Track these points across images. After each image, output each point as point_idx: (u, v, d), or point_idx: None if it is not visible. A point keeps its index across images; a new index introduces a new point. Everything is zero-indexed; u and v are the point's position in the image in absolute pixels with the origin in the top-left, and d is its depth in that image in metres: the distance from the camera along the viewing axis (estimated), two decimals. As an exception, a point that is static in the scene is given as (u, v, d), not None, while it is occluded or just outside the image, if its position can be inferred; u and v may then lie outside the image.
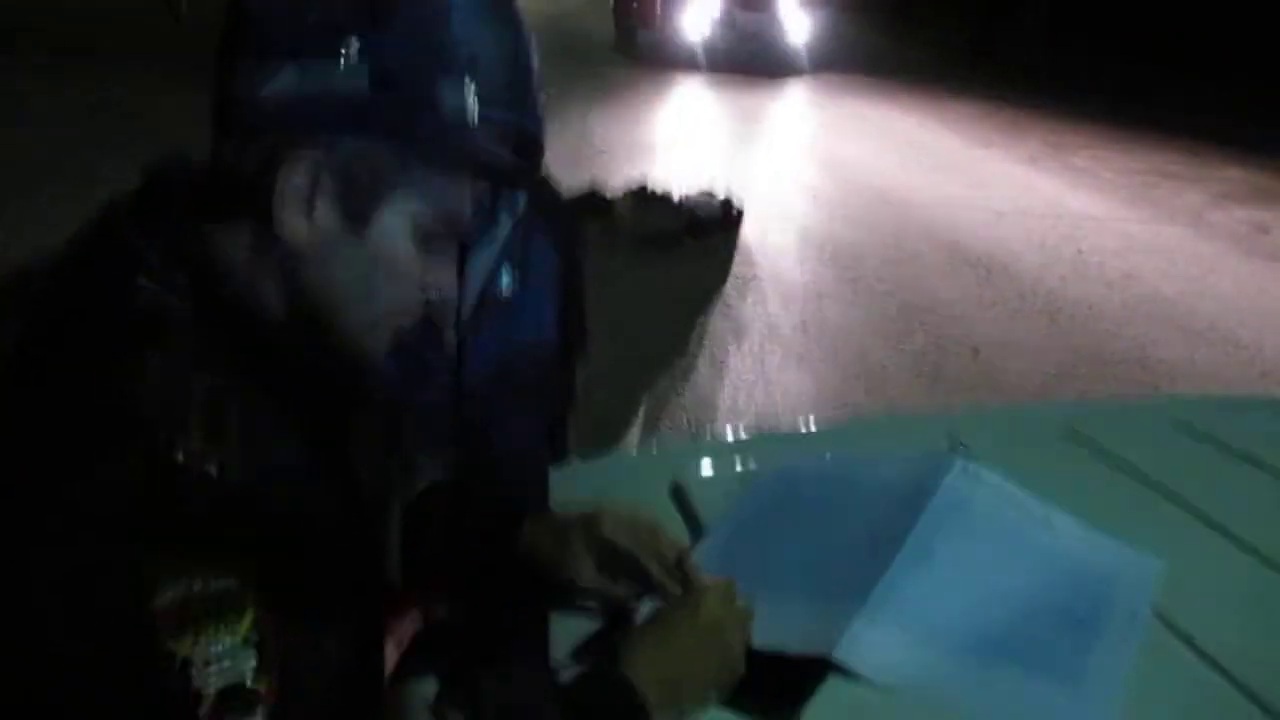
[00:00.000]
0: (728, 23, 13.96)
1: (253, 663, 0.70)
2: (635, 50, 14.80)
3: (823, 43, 14.73)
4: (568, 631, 1.03)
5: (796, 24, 14.30)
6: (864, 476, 1.15)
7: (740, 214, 6.54)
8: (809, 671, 0.89)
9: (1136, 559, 1.05)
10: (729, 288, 5.68)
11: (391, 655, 1.28)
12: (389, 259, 0.84)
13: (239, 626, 0.70)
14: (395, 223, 0.83)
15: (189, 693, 0.67)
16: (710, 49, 13.91)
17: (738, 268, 6.00)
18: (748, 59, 13.77)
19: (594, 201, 6.08)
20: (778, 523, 1.13)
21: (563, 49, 14.17)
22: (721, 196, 6.49)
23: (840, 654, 0.89)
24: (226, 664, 0.69)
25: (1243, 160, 9.43)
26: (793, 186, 8.01)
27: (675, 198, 6.33)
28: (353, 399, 0.96)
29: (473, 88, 0.87)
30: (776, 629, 0.95)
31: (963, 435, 1.28)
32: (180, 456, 0.71)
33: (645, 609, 1.00)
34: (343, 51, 0.79)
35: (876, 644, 0.91)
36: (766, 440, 1.31)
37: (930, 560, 1.00)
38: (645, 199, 6.28)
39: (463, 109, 0.85)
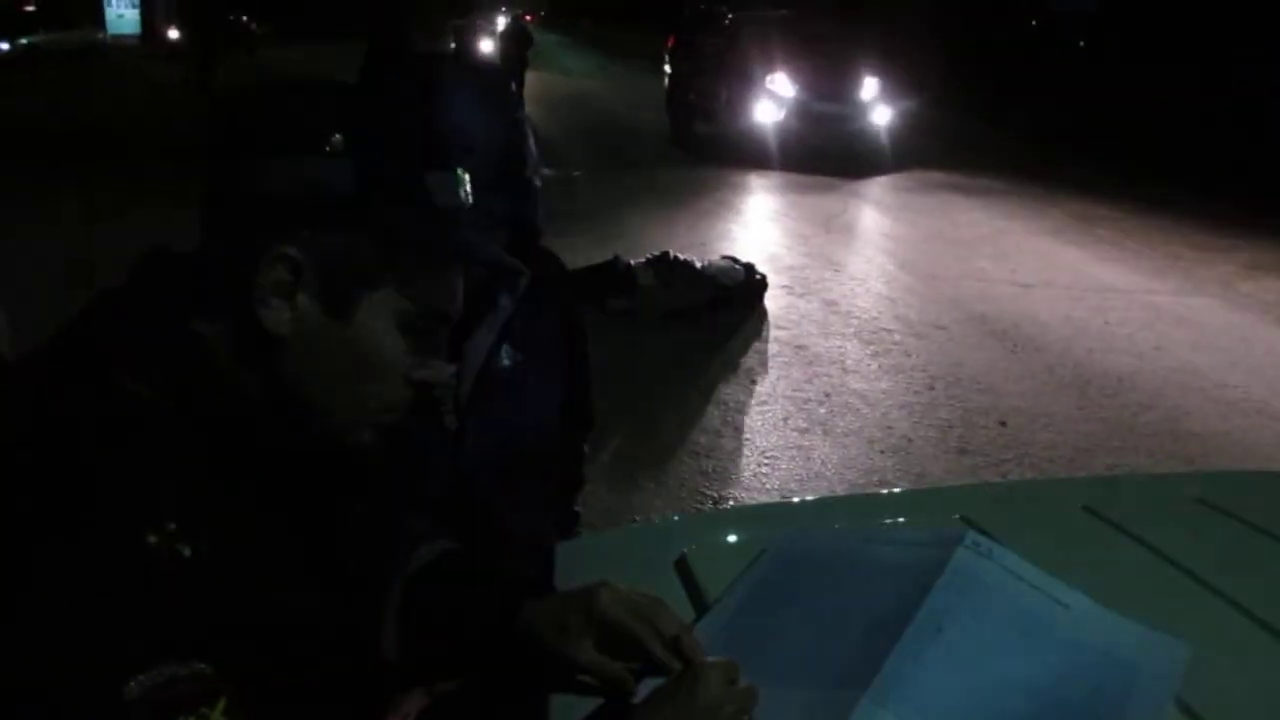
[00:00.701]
0: (801, 114, 12.30)
1: None
2: (693, 145, 13.46)
3: (908, 135, 13.08)
4: (566, 712, 1.01)
5: (879, 114, 12.62)
6: (872, 552, 1.12)
7: (764, 283, 6.58)
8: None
9: (1160, 643, 1.01)
10: (753, 359, 5.69)
11: None
12: (372, 352, 0.84)
13: (210, 714, 0.68)
14: (378, 316, 0.83)
15: None
16: (781, 144, 12.20)
17: (761, 339, 6.02)
18: (824, 155, 12.00)
19: (617, 272, 6.16)
20: (782, 601, 1.10)
21: (611, 147, 13.53)
22: (744, 265, 6.55)
23: None
24: None
25: (1274, 230, 9.33)
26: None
27: (699, 266, 6.39)
28: (339, 488, 0.95)
29: (465, 179, 0.87)
30: (777, 713, 0.92)
31: (976, 510, 1.25)
32: (152, 539, 0.70)
33: (646, 688, 0.97)
34: (327, 148, 0.80)
35: None
36: (775, 510, 1.28)
37: (938, 642, 0.97)
38: (669, 268, 6.35)
39: (450, 201, 0.85)
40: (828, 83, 12.43)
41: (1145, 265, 8.21)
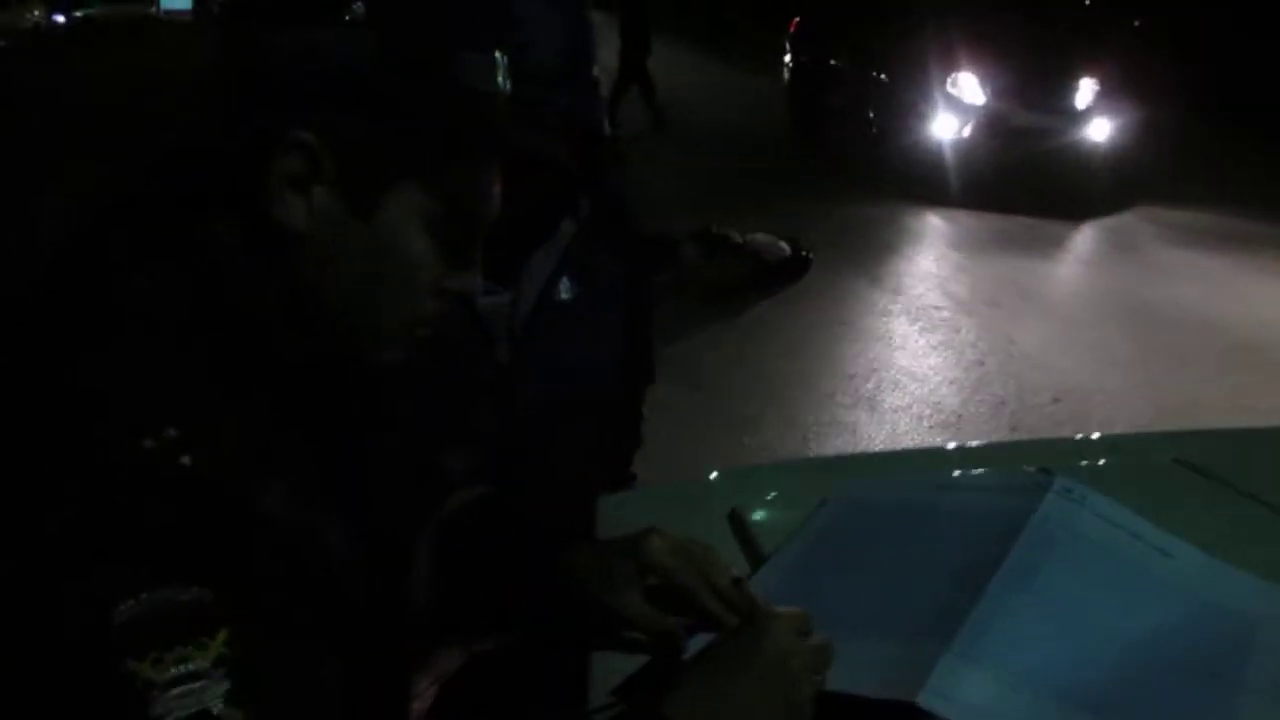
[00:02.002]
0: (995, 128, 8.67)
1: (225, 687, 0.60)
2: (828, 156, 10.13)
3: (1136, 153, 8.93)
4: (611, 669, 0.92)
5: (1097, 127, 8.81)
6: (946, 500, 1.02)
7: (808, 260, 6.45)
8: (888, 717, 0.77)
9: (1276, 596, 0.90)
10: (797, 334, 5.57)
11: (430, 691, 1.18)
12: (397, 254, 0.75)
13: (210, 645, 0.60)
14: (403, 213, 0.74)
15: None
16: (964, 167, 8.53)
17: (809, 313, 5.88)
18: (1023, 184, 8.44)
19: (660, 246, 6.05)
20: (846, 551, 1.00)
21: (716, 153, 10.12)
22: (789, 239, 6.42)
23: (927, 698, 0.76)
24: (194, 688, 0.59)
25: None
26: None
27: (741, 240, 6.28)
28: (367, 415, 0.86)
29: (504, 63, 0.78)
30: (848, 670, 0.82)
31: (1056, 461, 1.14)
32: (149, 443, 0.61)
33: (698, 645, 0.87)
34: (346, 16, 0.71)
35: (968, 687, 0.78)
36: (837, 463, 1.18)
37: (1029, 591, 0.86)
38: (712, 243, 6.23)
39: (485, 86, 0.76)
40: (1031, 86, 8.79)
41: None
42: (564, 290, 1.35)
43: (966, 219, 7.95)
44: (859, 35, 10.26)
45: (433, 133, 0.73)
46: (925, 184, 8.47)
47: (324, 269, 0.74)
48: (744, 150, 10.62)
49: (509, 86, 0.78)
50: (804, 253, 6.44)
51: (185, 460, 0.63)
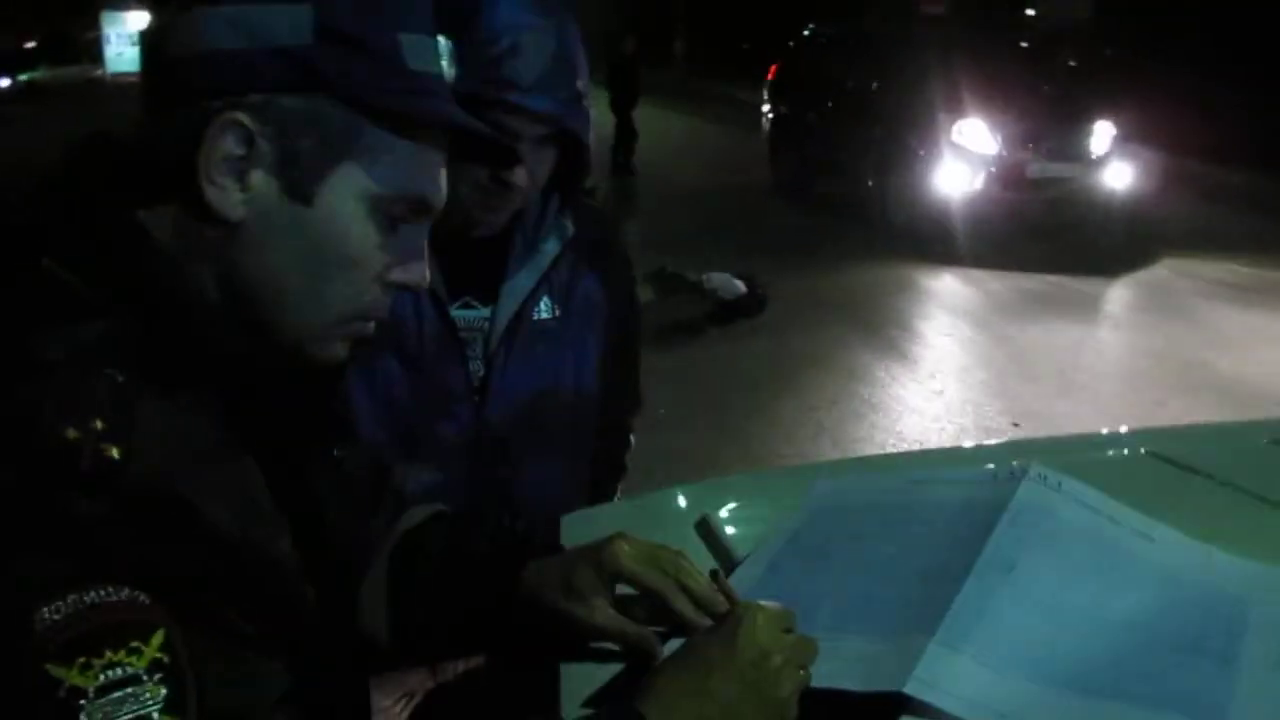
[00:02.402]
0: (1009, 179, 8.02)
1: (162, 693, 0.56)
2: (816, 212, 9.44)
3: (1156, 201, 8.51)
4: (582, 683, 0.87)
5: (1115, 173, 8.25)
6: (921, 494, 0.99)
7: (765, 297, 6.47)
8: (878, 714, 0.73)
9: (1268, 576, 0.87)
10: (759, 370, 5.57)
11: (396, 713, 1.13)
12: (338, 241, 0.71)
13: (144, 649, 0.56)
14: (344, 197, 0.70)
15: None
16: (977, 221, 7.87)
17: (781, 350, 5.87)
18: (1039, 239, 7.93)
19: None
20: (822, 550, 0.97)
21: (690, 219, 9.11)
22: (745, 277, 6.44)
23: (915, 688, 0.73)
24: (127, 695, 0.54)
25: None
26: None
27: (698, 280, 6.28)
28: (313, 421, 0.82)
29: (446, 49, 0.75)
30: (831, 666, 0.78)
31: (1029, 458, 1.12)
32: (71, 433, 0.57)
33: (671, 651, 0.83)
34: None
35: (956, 675, 0.75)
36: (807, 472, 1.15)
37: (1010, 578, 0.84)
38: (668, 283, 6.24)
39: (426, 67, 0.73)
40: (1045, 132, 8.20)
41: None
42: (544, 309, 1.32)
43: (983, 279, 7.21)
44: (848, 82, 9.64)
45: (376, 113, 0.70)
46: (932, 241, 7.86)
47: (262, 257, 0.70)
48: (724, 206, 9.93)
49: (453, 73, 0.75)
50: (759, 290, 6.46)
51: (114, 454, 0.58)
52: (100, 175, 0.70)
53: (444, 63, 0.74)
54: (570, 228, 1.32)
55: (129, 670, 0.55)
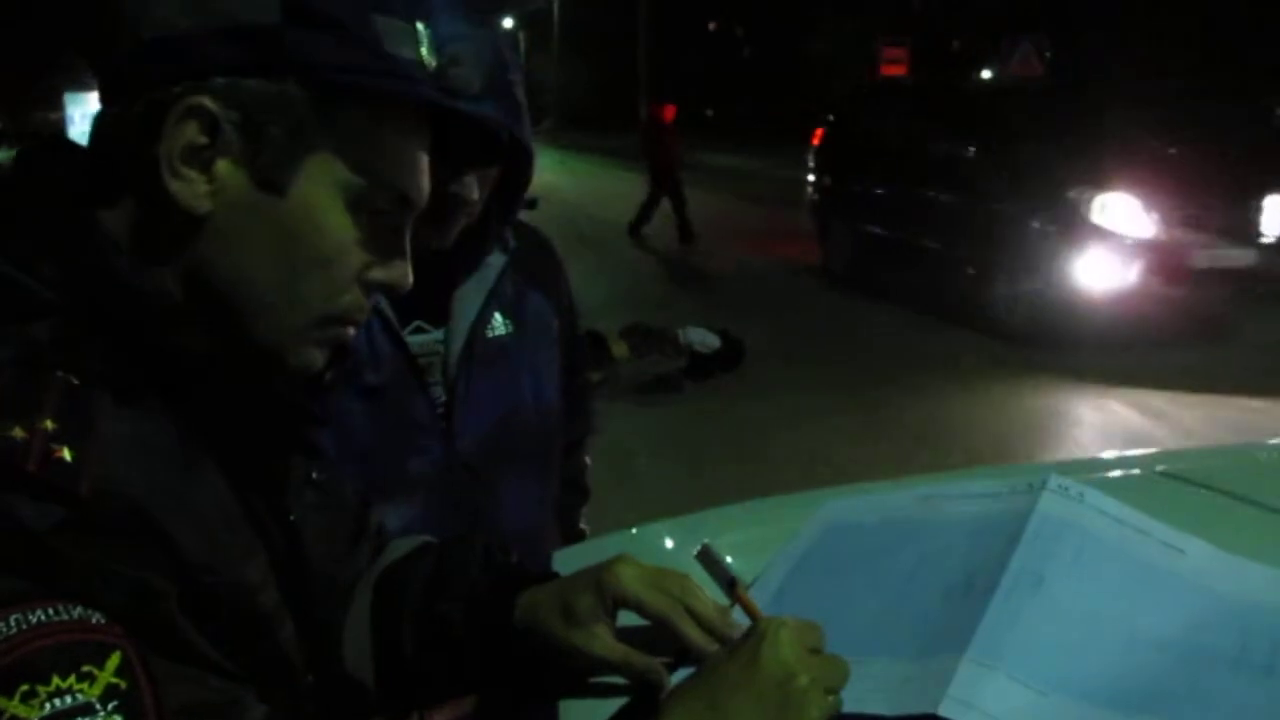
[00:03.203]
0: (1169, 267, 6.19)
1: None
2: (896, 320, 7.21)
3: None
4: (584, 718, 0.81)
5: None
6: (935, 509, 0.94)
7: (742, 348, 6.44)
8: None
9: None
10: (737, 427, 5.51)
11: None
12: (313, 234, 0.66)
13: (99, 674, 0.50)
14: (319, 186, 0.66)
15: None
16: (1131, 322, 6.14)
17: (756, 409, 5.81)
18: (1219, 344, 6.26)
19: (591, 344, 6.00)
20: (835, 570, 0.91)
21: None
22: (719, 331, 6.42)
23: (950, 709, 0.68)
24: None
25: None
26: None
27: (673, 334, 6.25)
28: (288, 439, 0.76)
29: (427, 35, 0.71)
30: (858, 689, 0.72)
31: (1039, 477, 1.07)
32: (19, 432, 0.51)
33: (679, 681, 0.77)
34: None
35: (993, 694, 0.69)
36: (814, 499, 1.09)
37: (1041, 594, 0.78)
38: (643, 338, 6.20)
39: (406, 51, 0.68)
40: (1209, 207, 6.43)
41: None
42: (498, 326, 1.28)
43: (1166, 409, 5.01)
44: (928, 145, 7.62)
45: (351, 97, 0.65)
46: (1073, 351, 5.93)
47: (232, 253, 0.65)
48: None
49: (434, 63, 0.71)
50: (737, 342, 6.44)
51: (65, 455, 0.53)
52: (55, 173, 0.66)
53: (424, 50, 0.70)
54: (512, 241, 1.29)
55: (80, 698, 0.49)
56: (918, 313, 7.07)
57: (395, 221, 0.71)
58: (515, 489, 1.29)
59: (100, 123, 0.66)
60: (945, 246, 7.28)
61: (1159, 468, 1.16)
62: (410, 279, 0.73)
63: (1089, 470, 1.20)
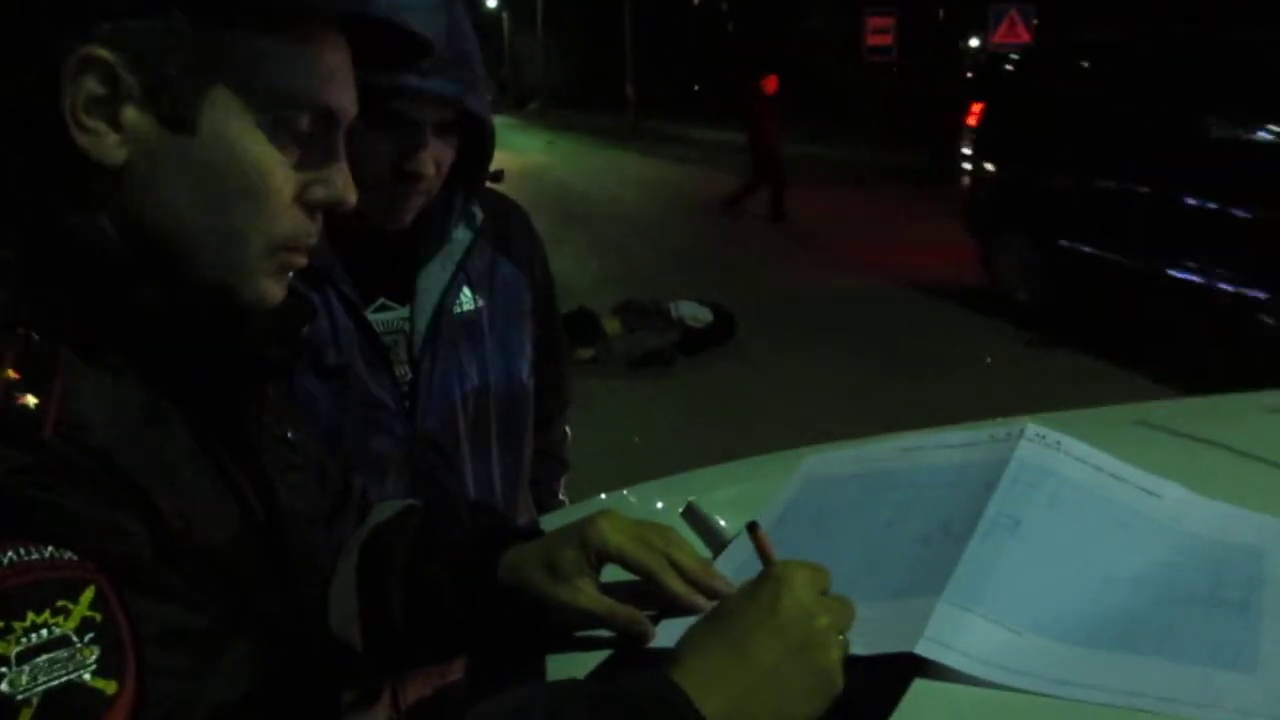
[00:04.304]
0: None
1: (95, 654, 0.50)
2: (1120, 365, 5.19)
3: None
4: (571, 672, 0.82)
5: None
6: (916, 459, 0.95)
7: (734, 321, 6.45)
8: (889, 678, 0.69)
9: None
10: (728, 399, 5.53)
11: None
12: (235, 165, 0.65)
13: (73, 608, 0.51)
14: (230, 116, 0.64)
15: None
16: None
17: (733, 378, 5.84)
18: None
19: (583, 321, 6.01)
20: (820, 519, 0.92)
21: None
22: (711, 304, 6.43)
23: (926, 649, 0.69)
24: (55, 659, 0.49)
25: None
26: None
27: (664, 309, 6.26)
28: (252, 389, 0.76)
29: None
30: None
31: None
32: None
33: (669, 634, 0.78)
34: None
35: (969, 634, 0.71)
36: (798, 457, 1.10)
37: (1017, 537, 0.80)
38: (635, 314, 6.20)
39: None
40: None
41: None
42: (466, 300, 1.25)
43: None
44: (1195, 129, 5.06)
45: (239, 18, 0.64)
46: None
47: (159, 198, 0.64)
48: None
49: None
50: (728, 315, 6.45)
51: (29, 402, 0.54)
52: None
53: None
54: (479, 215, 1.27)
55: (56, 632, 0.49)
56: (1166, 383, 4.56)
57: (325, 138, 0.70)
58: (484, 467, 1.28)
59: (5, 87, 0.64)
60: (1222, 278, 4.75)
61: (1133, 420, 1.17)
62: (354, 194, 0.72)
63: (1066, 423, 1.21)
